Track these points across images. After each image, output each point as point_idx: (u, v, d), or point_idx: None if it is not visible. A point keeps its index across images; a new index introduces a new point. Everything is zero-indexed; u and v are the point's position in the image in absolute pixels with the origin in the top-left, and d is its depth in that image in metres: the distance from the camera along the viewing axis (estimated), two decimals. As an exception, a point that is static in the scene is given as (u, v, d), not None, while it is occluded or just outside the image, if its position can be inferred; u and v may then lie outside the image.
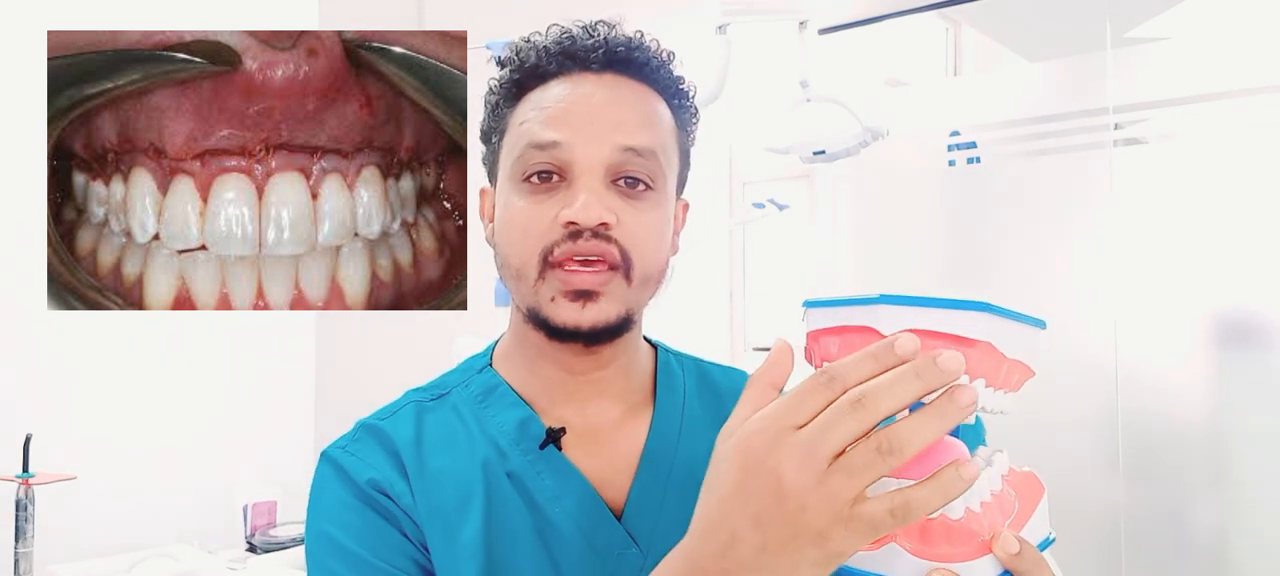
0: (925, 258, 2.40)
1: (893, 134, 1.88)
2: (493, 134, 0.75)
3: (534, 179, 0.68)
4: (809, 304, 0.58)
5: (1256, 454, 1.91)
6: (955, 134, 2.34)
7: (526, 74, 0.72)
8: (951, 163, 2.35)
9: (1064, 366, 2.02)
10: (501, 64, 0.74)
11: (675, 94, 0.75)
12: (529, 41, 0.73)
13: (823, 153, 1.81)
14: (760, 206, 2.76)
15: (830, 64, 2.49)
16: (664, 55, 0.74)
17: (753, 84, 2.21)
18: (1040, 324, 0.54)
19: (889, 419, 0.51)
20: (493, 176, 0.76)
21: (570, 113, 0.69)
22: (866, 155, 1.88)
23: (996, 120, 2.30)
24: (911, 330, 0.51)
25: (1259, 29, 1.96)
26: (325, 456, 0.74)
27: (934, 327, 0.51)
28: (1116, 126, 2.09)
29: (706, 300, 3.04)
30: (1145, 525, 2.01)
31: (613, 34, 0.72)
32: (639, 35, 0.73)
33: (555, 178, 0.68)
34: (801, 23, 1.85)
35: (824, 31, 2.51)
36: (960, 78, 2.64)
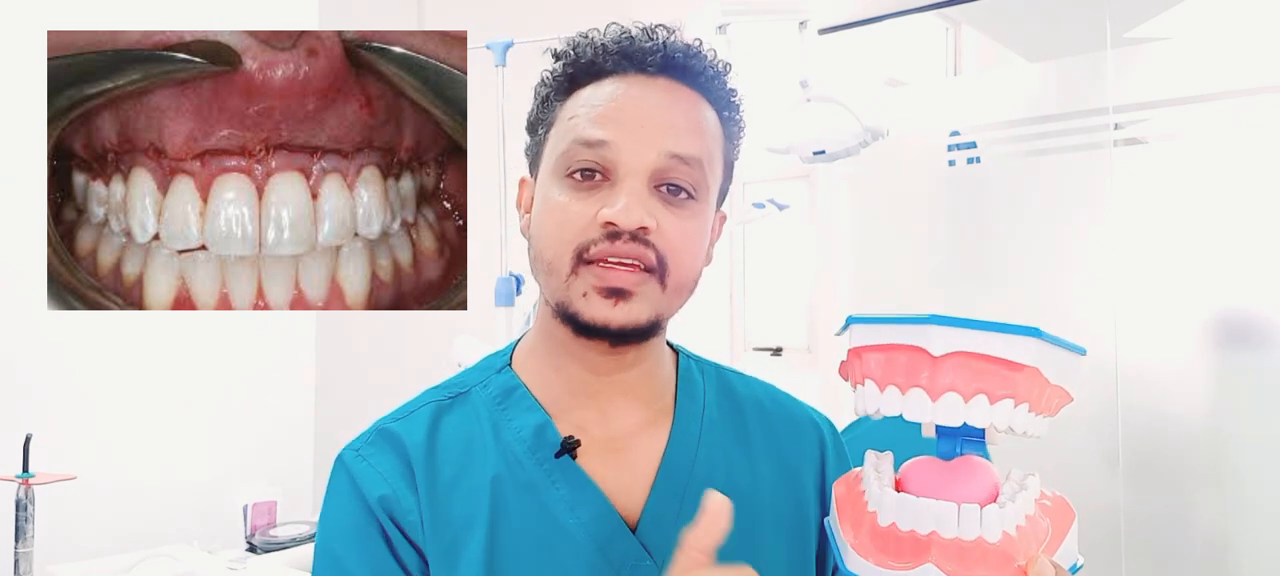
0: (925, 258, 2.40)
1: (893, 134, 1.88)
2: (539, 126, 0.74)
3: (577, 176, 0.68)
4: (853, 320, 0.58)
5: (1256, 454, 1.91)
6: (955, 134, 2.34)
7: (581, 69, 0.71)
8: (951, 163, 2.35)
9: (1064, 366, 2.02)
10: (556, 56, 0.73)
11: (726, 105, 0.75)
12: (587, 37, 0.72)
13: (823, 153, 1.81)
14: (760, 206, 2.76)
15: (830, 64, 2.49)
16: (720, 65, 0.74)
17: (753, 84, 2.21)
18: (1082, 351, 0.55)
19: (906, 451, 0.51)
20: (534, 167, 0.75)
21: (621, 113, 0.68)
22: (866, 155, 1.88)
23: (996, 120, 2.30)
24: (961, 352, 0.52)
25: (1259, 29, 1.96)
26: (340, 460, 0.73)
27: (984, 351, 0.51)
28: (1116, 126, 2.09)
29: (706, 300, 3.04)
30: (1145, 525, 2.01)
31: (671, 39, 0.71)
32: (697, 43, 0.73)
33: (598, 177, 0.68)
34: (801, 23, 1.84)
35: (824, 31, 2.51)
36: (960, 78, 2.64)
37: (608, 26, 0.73)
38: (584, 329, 0.68)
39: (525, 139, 0.78)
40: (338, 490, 0.72)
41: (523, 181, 0.77)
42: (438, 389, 0.77)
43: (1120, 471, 2.03)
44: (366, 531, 0.69)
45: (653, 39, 0.71)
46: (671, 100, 0.70)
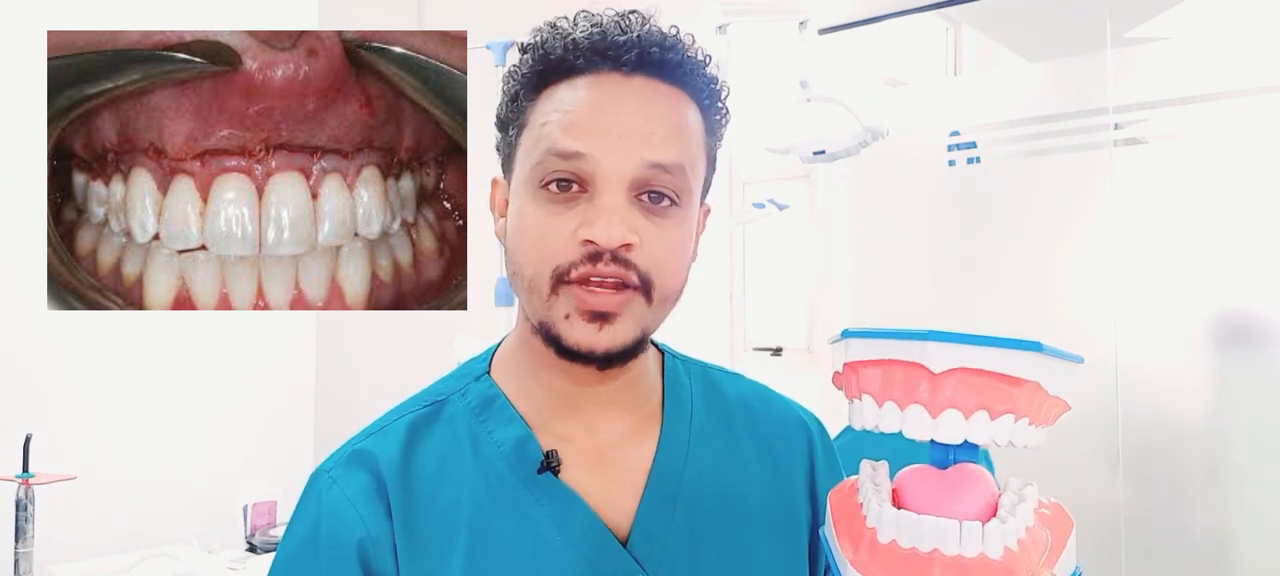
0: (925, 258, 2.40)
1: (893, 134, 1.88)
2: (510, 125, 0.70)
3: (553, 187, 0.64)
4: (850, 333, 0.56)
5: (1256, 454, 1.90)
6: (955, 134, 2.34)
7: (551, 66, 0.67)
8: (951, 163, 2.35)
9: (1064, 366, 2.02)
10: (524, 49, 0.69)
11: (708, 96, 0.70)
12: (556, 28, 0.67)
13: (823, 153, 1.80)
14: (760, 206, 2.76)
15: (830, 64, 2.48)
16: (699, 56, 0.69)
17: (753, 84, 2.22)
18: (1079, 360, 0.54)
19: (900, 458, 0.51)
20: (506, 167, 0.71)
21: (596, 121, 0.64)
22: (866, 155, 1.88)
23: (996, 120, 2.30)
24: (961, 369, 0.51)
25: (1259, 29, 1.96)
26: (314, 486, 0.70)
27: (983, 366, 0.51)
28: (1116, 126, 2.09)
29: (706, 300, 3.04)
30: (1145, 525, 2.01)
31: (647, 30, 0.66)
32: (674, 31, 0.68)
33: (575, 188, 0.64)
34: (801, 23, 1.84)
35: (824, 31, 2.51)
36: (960, 78, 2.64)
37: (577, 15, 0.68)
38: (567, 353, 0.65)
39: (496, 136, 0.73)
40: (303, 518, 0.69)
41: (495, 182, 0.73)
42: (413, 400, 0.74)
43: (1120, 472, 2.03)
44: (319, 571, 0.66)
45: (627, 32, 0.66)
46: (650, 103, 0.66)
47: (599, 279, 0.63)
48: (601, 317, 0.64)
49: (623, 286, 0.64)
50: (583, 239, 0.63)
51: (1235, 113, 1.96)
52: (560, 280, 0.64)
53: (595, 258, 0.63)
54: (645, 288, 0.65)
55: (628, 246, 0.63)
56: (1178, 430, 1.99)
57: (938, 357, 0.51)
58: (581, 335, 0.64)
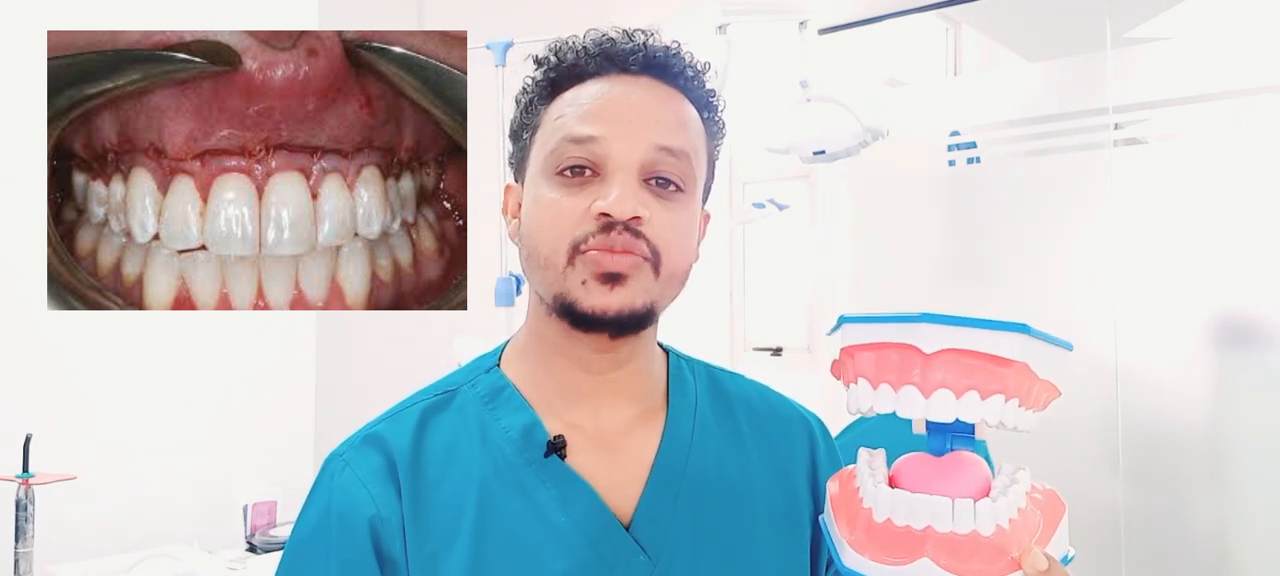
0: (925, 258, 2.40)
1: (893, 134, 1.88)
2: (524, 131, 0.75)
3: (567, 173, 0.69)
4: (846, 319, 0.59)
5: (1256, 454, 1.91)
6: (955, 134, 2.34)
7: (563, 73, 0.73)
8: (951, 163, 2.35)
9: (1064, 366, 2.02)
10: (538, 63, 0.75)
11: (706, 106, 0.76)
12: (566, 42, 0.74)
13: (823, 153, 1.80)
14: (760, 206, 2.76)
15: (830, 64, 2.49)
16: (698, 65, 0.75)
17: (753, 84, 2.21)
18: (1068, 346, 0.56)
19: (897, 450, 0.51)
20: (519, 173, 0.76)
21: (608, 109, 0.70)
22: (866, 155, 1.88)
23: (996, 120, 2.30)
24: (951, 349, 0.53)
25: (1259, 29, 1.96)
26: (327, 468, 0.73)
27: (973, 347, 0.53)
28: (1116, 126, 2.09)
29: (706, 300, 3.04)
30: (1145, 525, 2.01)
31: (651, 41, 0.73)
32: (675, 45, 0.74)
33: (588, 172, 0.69)
34: (801, 23, 1.84)
35: (824, 31, 2.51)
36: (960, 78, 2.64)
37: (587, 32, 0.74)
38: (583, 320, 0.68)
39: (509, 147, 0.78)
40: (317, 501, 0.72)
41: (508, 188, 0.78)
42: (426, 390, 0.77)
43: (1120, 472, 2.03)
44: (331, 550, 0.69)
45: (632, 40, 0.72)
46: (656, 97, 0.71)
47: (611, 248, 0.67)
48: (614, 279, 0.67)
49: (634, 255, 0.67)
50: (597, 212, 0.67)
51: (1235, 113, 1.96)
52: (576, 250, 0.67)
53: (608, 228, 0.67)
54: (654, 260, 0.68)
55: (638, 219, 0.67)
56: (1178, 431, 1.99)
57: (929, 339, 0.53)
58: (596, 298, 0.67)
